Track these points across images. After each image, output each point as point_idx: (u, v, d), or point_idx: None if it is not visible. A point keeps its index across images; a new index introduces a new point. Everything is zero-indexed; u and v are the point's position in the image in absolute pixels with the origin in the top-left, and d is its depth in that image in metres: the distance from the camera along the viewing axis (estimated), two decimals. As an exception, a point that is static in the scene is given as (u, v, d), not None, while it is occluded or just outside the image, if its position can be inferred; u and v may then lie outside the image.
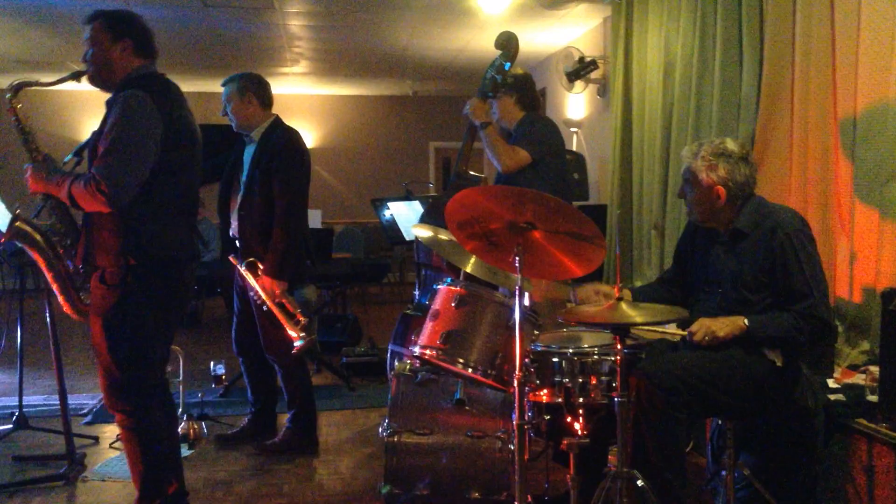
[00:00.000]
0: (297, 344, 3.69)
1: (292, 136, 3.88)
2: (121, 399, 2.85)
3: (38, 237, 2.98)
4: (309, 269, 4.03)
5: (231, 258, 3.76)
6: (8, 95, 2.91)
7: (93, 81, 2.93)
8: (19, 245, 3.07)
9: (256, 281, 3.73)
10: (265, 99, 3.92)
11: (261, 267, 3.74)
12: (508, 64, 3.66)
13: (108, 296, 2.79)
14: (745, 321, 2.64)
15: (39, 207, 3.02)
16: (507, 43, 3.67)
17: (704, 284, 2.87)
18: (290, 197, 3.76)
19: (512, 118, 3.83)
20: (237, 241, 3.91)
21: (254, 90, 3.87)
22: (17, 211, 3.04)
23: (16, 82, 2.94)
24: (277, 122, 3.92)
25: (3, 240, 3.15)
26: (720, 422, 2.94)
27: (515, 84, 3.79)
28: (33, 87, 3.08)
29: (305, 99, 11.81)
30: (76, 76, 2.96)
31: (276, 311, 3.72)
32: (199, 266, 3.33)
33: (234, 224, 3.90)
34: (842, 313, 3.52)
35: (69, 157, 3.26)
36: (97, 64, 2.87)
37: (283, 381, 4.00)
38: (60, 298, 2.99)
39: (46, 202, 2.94)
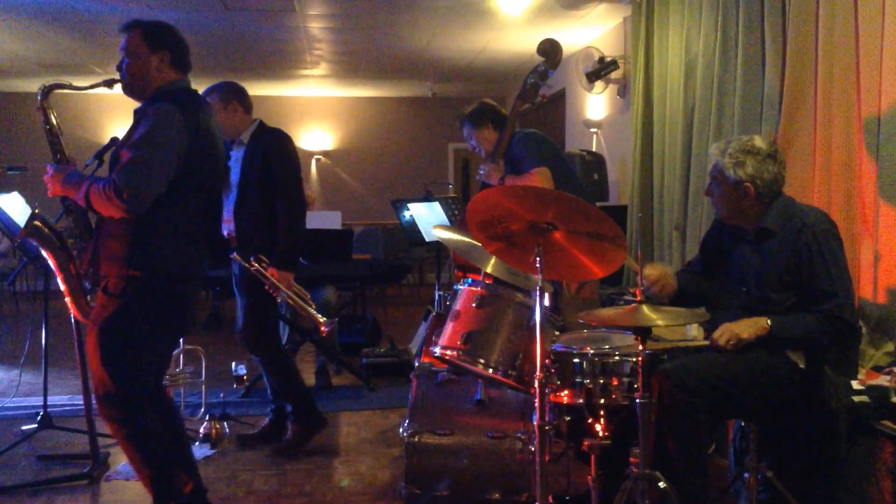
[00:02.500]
0: (324, 328, 3.90)
1: (284, 138, 4.02)
2: (111, 408, 2.80)
3: (53, 237, 3.01)
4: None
5: (235, 256, 3.81)
6: (39, 97, 2.91)
7: (126, 91, 2.91)
8: (35, 244, 3.10)
9: (269, 273, 3.80)
10: (247, 105, 4.02)
11: (265, 261, 3.80)
12: (552, 71, 3.77)
13: (107, 305, 2.77)
14: (768, 322, 2.62)
15: (61, 212, 3.04)
16: (551, 50, 3.76)
17: (729, 283, 2.85)
18: (292, 194, 3.91)
19: (491, 143, 4.02)
20: (231, 241, 3.97)
21: (237, 98, 3.96)
22: (36, 210, 3.06)
23: (48, 84, 2.94)
24: (262, 124, 4.04)
25: (19, 237, 3.18)
26: (743, 423, 2.92)
27: (489, 114, 4.03)
28: (58, 91, 3.04)
29: (325, 101, 11.85)
30: (109, 83, 2.97)
31: (294, 299, 3.86)
32: (222, 266, 3.35)
33: (231, 225, 3.95)
34: (866, 314, 3.47)
35: (90, 160, 3.29)
36: (133, 74, 2.85)
37: (266, 375, 4.08)
38: (68, 300, 3.01)
39: (64, 204, 2.95)
